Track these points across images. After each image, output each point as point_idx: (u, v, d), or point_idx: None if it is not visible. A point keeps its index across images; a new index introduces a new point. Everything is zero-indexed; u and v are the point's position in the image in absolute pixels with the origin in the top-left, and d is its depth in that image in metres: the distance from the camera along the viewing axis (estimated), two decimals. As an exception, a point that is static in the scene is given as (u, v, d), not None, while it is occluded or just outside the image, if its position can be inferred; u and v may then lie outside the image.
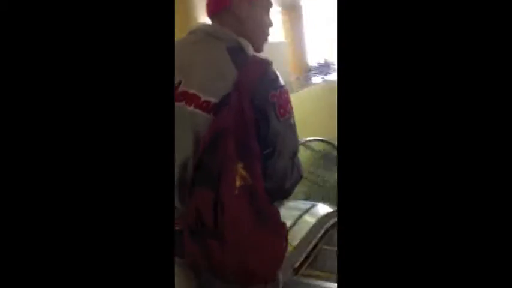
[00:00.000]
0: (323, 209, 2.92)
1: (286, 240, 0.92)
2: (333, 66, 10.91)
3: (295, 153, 0.95)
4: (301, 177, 0.97)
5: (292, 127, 0.93)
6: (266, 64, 0.92)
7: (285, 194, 0.99)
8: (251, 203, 0.84)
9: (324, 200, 3.46)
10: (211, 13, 1.01)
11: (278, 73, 0.94)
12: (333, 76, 10.40)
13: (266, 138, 0.89)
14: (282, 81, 0.93)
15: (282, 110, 0.90)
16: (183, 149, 0.88)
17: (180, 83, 0.91)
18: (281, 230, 0.90)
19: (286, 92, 0.93)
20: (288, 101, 0.94)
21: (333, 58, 11.26)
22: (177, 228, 0.84)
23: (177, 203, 0.91)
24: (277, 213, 0.90)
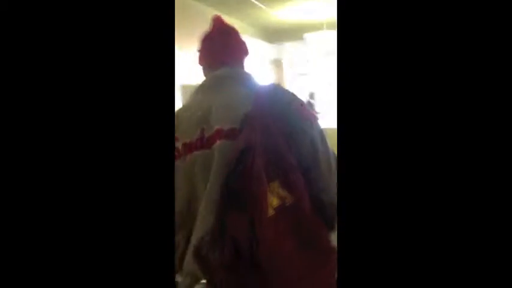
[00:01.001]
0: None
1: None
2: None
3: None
4: None
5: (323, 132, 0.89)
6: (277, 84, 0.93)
7: None
8: (292, 225, 0.72)
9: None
10: (232, 61, 1.01)
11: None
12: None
13: (302, 149, 0.81)
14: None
15: (308, 120, 0.86)
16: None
17: (203, 131, 0.86)
18: (329, 257, 0.75)
19: (303, 104, 0.91)
20: (311, 111, 0.91)
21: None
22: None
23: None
24: (326, 235, 0.76)
